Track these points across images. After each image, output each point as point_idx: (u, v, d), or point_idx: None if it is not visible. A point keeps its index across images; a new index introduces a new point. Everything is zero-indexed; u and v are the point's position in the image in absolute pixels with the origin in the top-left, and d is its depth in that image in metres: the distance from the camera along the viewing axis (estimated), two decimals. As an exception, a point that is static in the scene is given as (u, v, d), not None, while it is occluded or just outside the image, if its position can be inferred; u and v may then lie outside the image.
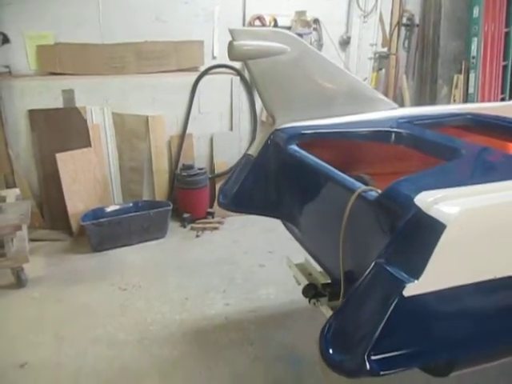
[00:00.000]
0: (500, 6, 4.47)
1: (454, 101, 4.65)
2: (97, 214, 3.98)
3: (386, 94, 4.88)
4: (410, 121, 2.45)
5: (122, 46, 4.14)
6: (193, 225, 4.40)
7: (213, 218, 4.55)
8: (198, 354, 2.65)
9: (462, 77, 4.61)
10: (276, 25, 4.40)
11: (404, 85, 4.90)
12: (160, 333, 2.83)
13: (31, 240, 3.87)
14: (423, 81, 4.90)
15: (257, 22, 4.41)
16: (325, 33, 4.59)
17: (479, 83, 4.55)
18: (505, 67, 4.64)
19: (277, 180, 2.40)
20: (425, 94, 4.87)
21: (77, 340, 2.75)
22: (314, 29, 4.54)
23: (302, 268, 2.42)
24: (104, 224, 3.82)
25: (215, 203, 4.45)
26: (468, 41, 4.63)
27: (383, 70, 4.87)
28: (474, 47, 4.55)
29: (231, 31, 2.32)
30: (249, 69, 2.42)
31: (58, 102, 4.06)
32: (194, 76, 4.41)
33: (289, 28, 4.41)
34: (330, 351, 1.31)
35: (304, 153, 2.17)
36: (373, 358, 1.24)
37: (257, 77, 2.44)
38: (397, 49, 4.86)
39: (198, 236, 4.24)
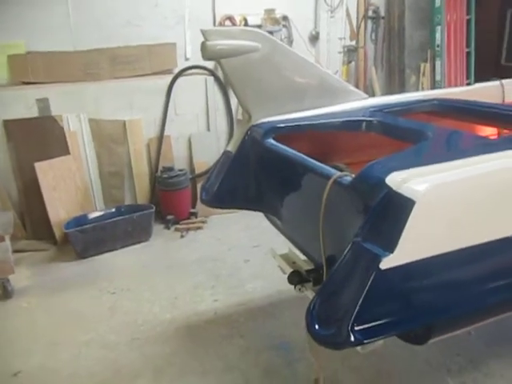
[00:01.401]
0: (460, -7, 4.66)
1: (423, 88, 4.80)
2: (80, 220, 3.98)
3: (356, 85, 5.01)
4: (380, 109, 2.56)
5: (95, 52, 4.16)
6: (177, 226, 4.44)
7: (196, 217, 4.60)
8: (190, 350, 2.71)
9: (428, 65, 4.77)
10: (246, 24, 4.48)
11: (373, 76, 5.04)
12: (151, 332, 2.88)
13: (14, 251, 3.83)
14: (392, 71, 5.05)
15: (227, 22, 4.48)
16: (294, 29, 4.69)
17: (445, 70, 4.71)
18: (468, 54, 4.82)
19: (256, 174, 2.47)
20: (394, 84, 5.02)
21: (69, 345, 2.78)
22: (284, 26, 4.63)
23: (286, 258, 2.50)
24: (88, 230, 3.83)
25: (197, 203, 4.54)
26: (432, 30, 4.79)
27: (353, 63, 5.00)
28: (438, 36, 4.71)
29: (203, 32, 2.39)
30: (222, 68, 2.49)
31: (33, 111, 4.06)
32: (168, 78, 4.46)
33: (259, 26, 4.49)
34: (316, 327, 1.39)
35: (281, 146, 2.25)
36: (356, 328, 1.33)
37: (230, 75, 2.52)
38: (364, 42, 5.00)
39: (182, 236, 4.29)
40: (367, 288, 1.33)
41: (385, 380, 2.42)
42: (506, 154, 1.61)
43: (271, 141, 2.33)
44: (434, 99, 2.77)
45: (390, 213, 1.41)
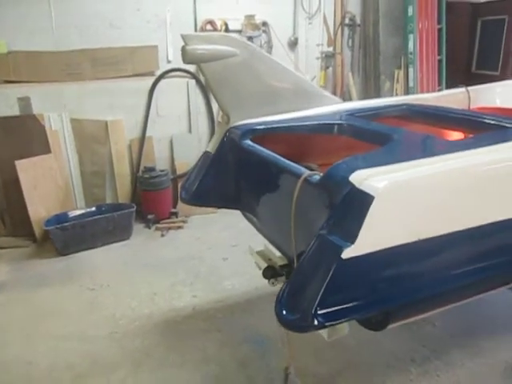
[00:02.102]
0: (432, 4, 4.86)
1: (397, 94, 4.99)
2: (60, 218, 4.03)
3: (334, 91, 5.19)
4: (353, 113, 2.70)
5: (77, 53, 4.22)
6: (157, 225, 4.51)
7: (177, 217, 4.68)
8: (168, 343, 2.80)
9: (402, 72, 4.97)
10: (227, 29, 4.60)
11: (350, 82, 5.22)
12: (130, 326, 2.96)
13: (-7, 248, 3.89)
14: (368, 77, 5.23)
15: (208, 27, 4.59)
16: (274, 35, 4.82)
17: (418, 77, 4.92)
18: (440, 61, 5.04)
19: (234, 173, 2.58)
20: (370, 89, 5.20)
21: (47, 338, 2.84)
22: (264, 31, 4.76)
23: (263, 254, 2.61)
24: (68, 228, 3.88)
25: (178, 203, 4.62)
26: (405, 38, 5.00)
27: (330, 69, 5.16)
28: (410, 44, 4.92)
29: (184, 37, 2.50)
30: (202, 71, 2.60)
31: (14, 110, 4.09)
32: (150, 80, 4.54)
33: (239, 31, 4.63)
34: (284, 312, 1.51)
35: (257, 146, 2.36)
36: (319, 313, 1.44)
37: (210, 78, 2.63)
38: (341, 48, 5.17)
39: (162, 235, 4.36)
40: (330, 276, 1.45)
41: (353, 371, 2.56)
42: (461, 154, 1.77)
43: (248, 142, 2.44)
44: (403, 104, 2.94)
45: (352, 207, 1.54)
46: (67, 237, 3.89)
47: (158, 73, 4.57)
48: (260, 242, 2.57)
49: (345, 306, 1.48)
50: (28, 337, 2.86)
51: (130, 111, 4.51)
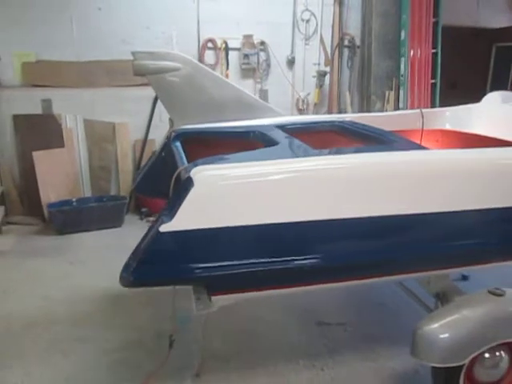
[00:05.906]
0: (426, 29, 4.96)
1: (386, 114, 5.13)
2: (64, 203, 4.71)
3: (331, 108, 5.45)
4: (284, 125, 3.04)
5: (94, 64, 4.93)
6: (149, 218, 5.05)
7: (170, 213, 5.18)
8: (108, 310, 3.28)
9: (393, 93, 5.11)
10: (227, 46, 5.08)
11: (347, 100, 5.44)
12: (87, 294, 3.48)
13: (10, 223, 4.68)
14: (363, 97, 5.42)
15: (209, 44, 5.11)
16: (272, 54, 5.22)
17: (408, 99, 5.03)
18: (433, 85, 5.11)
19: (169, 170, 3.02)
20: (364, 109, 5.39)
21: (18, 295, 3.45)
22: (262, 50, 5.18)
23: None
24: (66, 211, 4.54)
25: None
26: (398, 60, 5.14)
27: (326, 87, 5.44)
28: (402, 66, 5.06)
29: (133, 53, 3.02)
30: (150, 82, 3.09)
31: (38, 109, 4.87)
32: (156, 90, 5.13)
33: (238, 49, 5.10)
34: (122, 271, 1.92)
35: (179, 147, 2.80)
36: (138, 272, 1.83)
37: (156, 89, 3.12)
38: (338, 68, 5.42)
39: (151, 227, 4.88)
40: (148, 244, 1.84)
41: (248, 354, 2.81)
42: (310, 159, 2.07)
43: (177, 143, 2.89)
44: (335, 121, 3.21)
45: (180, 193, 1.91)
46: (65, 219, 4.55)
47: (164, 84, 5.14)
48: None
49: (159, 269, 1.86)
50: (3, 293, 3.49)
51: (136, 116, 5.14)
